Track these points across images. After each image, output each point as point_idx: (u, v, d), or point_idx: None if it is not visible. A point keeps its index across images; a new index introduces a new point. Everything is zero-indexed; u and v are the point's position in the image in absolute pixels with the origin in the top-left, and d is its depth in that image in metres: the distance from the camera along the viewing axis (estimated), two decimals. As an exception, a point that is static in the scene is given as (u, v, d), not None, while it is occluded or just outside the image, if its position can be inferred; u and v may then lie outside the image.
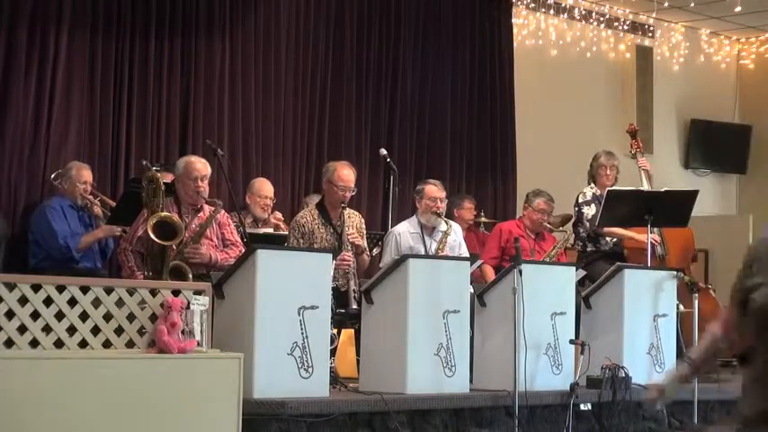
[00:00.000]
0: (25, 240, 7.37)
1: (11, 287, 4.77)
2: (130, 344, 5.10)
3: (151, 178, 6.48)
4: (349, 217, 7.04)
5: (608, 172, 8.19)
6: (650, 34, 12.06)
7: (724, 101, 12.68)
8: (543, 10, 11.14)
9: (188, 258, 6.46)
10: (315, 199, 7.62)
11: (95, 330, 5.00)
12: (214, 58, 8.77)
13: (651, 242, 7.75)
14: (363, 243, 7.10)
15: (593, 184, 8.24)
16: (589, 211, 8.08)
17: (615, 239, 8.09)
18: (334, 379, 6.25)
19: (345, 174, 7.00)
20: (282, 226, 8.05)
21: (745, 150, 12.58)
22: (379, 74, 9.88)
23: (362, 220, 7.26)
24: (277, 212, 8.28)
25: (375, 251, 7.74)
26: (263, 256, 5.64)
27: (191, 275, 6.33)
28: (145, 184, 6.51)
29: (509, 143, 10.71)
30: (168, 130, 8.50)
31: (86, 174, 7.49)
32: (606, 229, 8.00)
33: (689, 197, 7.88)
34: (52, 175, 7.62)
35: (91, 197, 7.47)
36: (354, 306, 6.70)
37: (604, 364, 6.73)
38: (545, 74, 11.16)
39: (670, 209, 7.76)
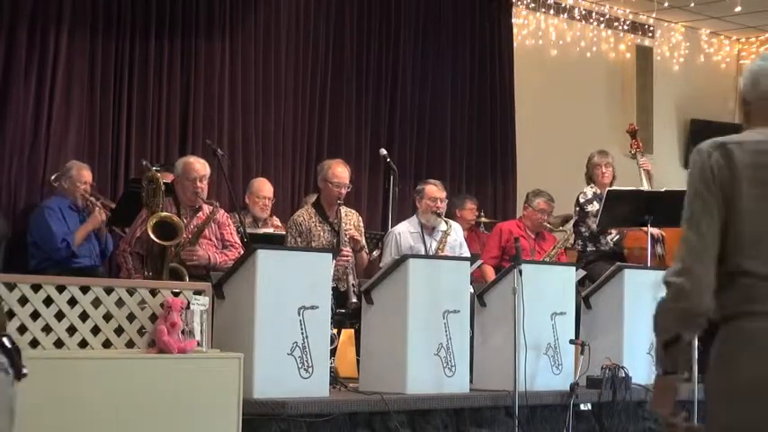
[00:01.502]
0: (25, 242, 7.36)
1: (11, 287, 4.77)
2: (130, 344, 5.11)
3: (151, 178, 6.49)
4: (346, 215, 7.06)
5: (603, 170, 8.20)
6: (650, 34, 12.06)
7: (724, 101, 12.68)
8: (543, 10, 11.14)
9: (185, 260, 6.45)
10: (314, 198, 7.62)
11: (95, 330, 5.01)
12: (214, 58, 8.77)
13: (651, 238, 7.74)
14: (362, 239, 7.11)
15: (592, 184, 8.25)
16: (592, 208, 8.09)
17: (615, 239, 8.10)
18: (334, 379, 6.25)
19: (340, 171, 7.02)
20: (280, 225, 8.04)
21: (745, 150, 12.57)
22: (379, 74, 9.88)
23: (360, 219, 7.27)
24: (276, 218, 8.24)
25: (375, 253, 7.73)
26: (263, 256, 5.64)
27: (187, 278, 6.32)
28: (145, 184, 6.51)
29: (509, 143, 10.71)
30: (168, 130, 8.50)
31: (86, 174, 7.48)
32: None
33: (689, 197, 7.86)
34: (52, 177, 7.60)
35: (92, 199, 7.45)
36: (354, 300, 6.69)
37: (604, 364, 6.73)
38: (545, 74, 11.16)
39: (670, 209, 7.72)
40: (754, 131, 2.86)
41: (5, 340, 2.64)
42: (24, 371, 2.66)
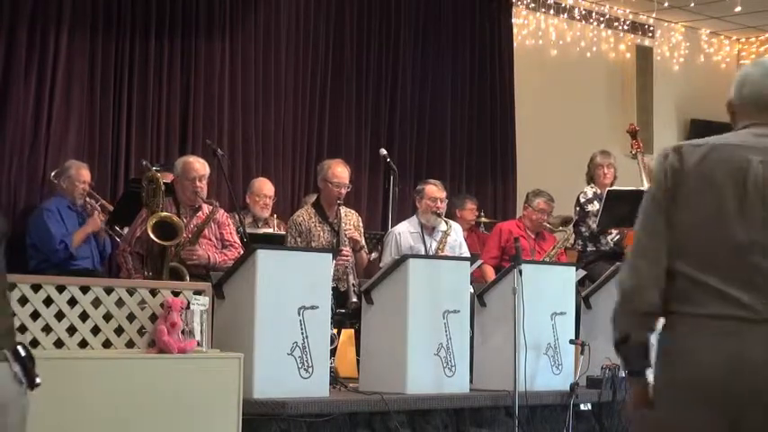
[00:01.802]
0: (24, 243, 7.34)
1: (11, 287, 4.76)
2: (130, 344, 5.11)
3: (151, 178, 6.49)
4: (345, 215, 7.06)
5: (605, 171, 8.20)
6: (650, 34, 12.06)
7: (724, 101, 12.63)
8: (543, 10, 11.14)
9: (185, 260, 6.46)
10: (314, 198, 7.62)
11: (95, 330, 5.01)
12: (214, 58, 8.77)
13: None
14: (361, 239, 7.11)
15: (593, 184, 8.26)
16: (592, 207, 8.09)
17: (615, 239, 8.10)
18: (334, 379, 6.25)
19: (339, 171, 7.03)
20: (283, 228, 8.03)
21: (744, 150, 12.57)
22: (379, 74, 9.88)
23: (359, 219, 7.28)
24: (280, 222, 8.22)
25: (374, 255, 7.72)
26: (263, 256, 5.64)
27: (188, 277, 6.32)
28: (145, 184, 6.51)
29: (509, 143, 10.71)
30: (168, 130, 8.50)
31: (85, 173, 7.46)
32: None
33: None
34: (52, 174, 7.59)
35: (93, 201, 7.44)
36: (354, 300, 6.69)
37: (604, 364, 6.73)
38: (545, 74, 11.16)
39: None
40: (730, 133, 2.88)
41: (20, 348, 2.63)
42: (38, 380, 2.65)
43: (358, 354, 6.67)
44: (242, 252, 6.34)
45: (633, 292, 2.79)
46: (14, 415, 2.59)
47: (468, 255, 7.36)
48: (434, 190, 7.45)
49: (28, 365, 2.63)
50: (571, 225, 8.52)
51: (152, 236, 6.25)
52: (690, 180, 2.76)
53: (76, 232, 7.28)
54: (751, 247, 2.67)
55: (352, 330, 7.05)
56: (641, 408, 2.81)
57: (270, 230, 7.87)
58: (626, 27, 11.67)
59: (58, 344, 4.90)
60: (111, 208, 7.58)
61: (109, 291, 5.07)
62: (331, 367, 6.22)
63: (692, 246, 2.76)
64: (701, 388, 2.65)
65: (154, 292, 5.19)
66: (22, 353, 2.62)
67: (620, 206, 7.67)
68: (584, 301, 7.19)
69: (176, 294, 5.23)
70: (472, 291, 6.72)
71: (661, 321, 2.81)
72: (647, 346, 2.81)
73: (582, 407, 6.64)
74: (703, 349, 2.66)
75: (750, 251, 2.67)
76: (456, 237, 7.48)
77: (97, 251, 7.44)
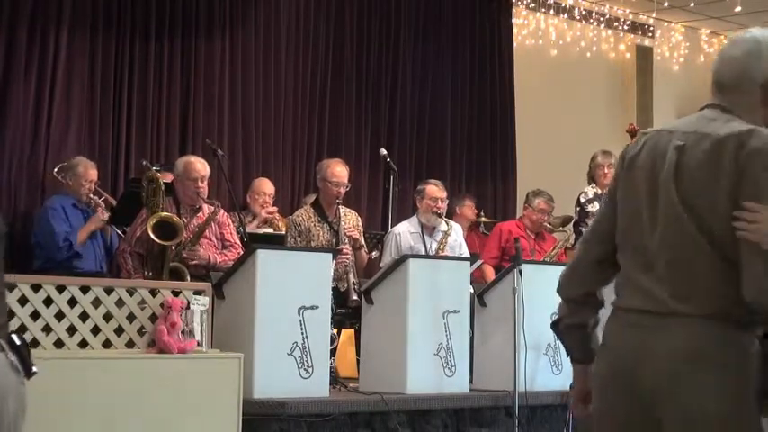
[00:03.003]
0: (25, 243, 7.33)
1: (11, 287, 4.76)
2: (130, 344, 5.11)
3: (151, 178, 6.49)
4: (345, 215, 7.08)
5: (606, 171, 8.20)
6: (650, 34, 12.06)
7: (724, 101, 12.69)
8: (543, 10, 11.14)
9: (186, 260, 6.46)
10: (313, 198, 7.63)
11: (95, 330, 5.01)
12: (214, 58, 8.77)
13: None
14: (361, 238, 7.12)
15: (593, 184, 8.26)
16: (593, 208, 8.09)
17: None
18: (334, 379, 6.25)
19: (338, 170, 7.05)
20: (278, 217, 8.02)
21: (744, 150, 12.57)
22: (379, 74, 9.88)
23: (359, 218, 7.29)
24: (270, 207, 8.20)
25: (375, 254, 7.72)
26: (263, 256, 5.64)
27: (189, 277, 6.33)
28: (145, 184, 6.51)
29: (509, 143, 10.72)
30: (168, 130, 8.50)
31: (93, 172, 7.42)
32: None
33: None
34: (55, 169, 7.56)
35: (96, 197, 7.43)
36: (354, 297, 6.69)
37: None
38: (545, 74, 11.16)
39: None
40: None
41: (14, 337, 2.64)
42: (34, 369, 2.66)
43: (358, 354, 6.67)
44: (241, 252, 6.35)
45: (562, 278, 2.91)
46: (14, 404, 2.60)
47: (468, 255, 7.36)
48: (435, 190, 7.46)
49: (24, 354, 2.64)
50: (571, 225, 8.52)
51: (152, 236, 6.25)
52: (626, 168, 2.72)
53: (81, 230, 7.27)
54: (660, 240, 2.62)
55: (352, 330, 7.06)
56: (580, 402, 2.83)
57: (270, 230, 7.87)
58: (626, 27, 11.67)
59: (58, 344, 4.90)
60: (114, 202, 7.57)
61: (109, 291, 5.07)
62: (331, 367, 6.22)
63: (622, 237, 2.74)
64: (615, 379, 2.67)
65: (154, 292, 5.19)
66: (17, 341, 2.63)
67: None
68: (584, 301, 7.17)
69: (176, 294, 5.23)
70: (472, 291, 6.72)
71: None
72: (582, 332, 2.86)
73: (582, 407, 6.63)
74: (618, 342, 2.68)
75: (660, 244, 2.62)
76: (456, 237, 7.48)
77: (102, 251, 7.42)
